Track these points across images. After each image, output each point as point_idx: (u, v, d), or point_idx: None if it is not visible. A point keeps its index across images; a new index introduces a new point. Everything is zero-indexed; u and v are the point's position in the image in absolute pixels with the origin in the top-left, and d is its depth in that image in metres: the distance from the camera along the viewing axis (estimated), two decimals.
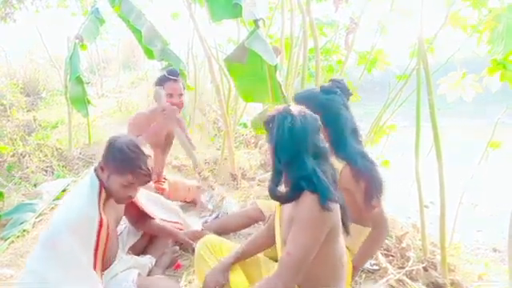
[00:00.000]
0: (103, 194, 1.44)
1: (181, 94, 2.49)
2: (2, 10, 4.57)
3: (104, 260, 1.43)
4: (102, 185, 1.44)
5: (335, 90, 1.61)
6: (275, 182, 1.26)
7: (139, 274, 1.57)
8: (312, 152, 1.20)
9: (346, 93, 1.65)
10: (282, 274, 1.14)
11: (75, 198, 1.45)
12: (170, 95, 2.44)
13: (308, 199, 1.14)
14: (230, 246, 1.58)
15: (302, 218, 1.14)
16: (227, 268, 1.42)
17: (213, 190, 2.41)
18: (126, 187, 1.45)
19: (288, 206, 1.26)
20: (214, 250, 1.54)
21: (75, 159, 4.11)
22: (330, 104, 1.55)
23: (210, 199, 2.44)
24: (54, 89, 7.22)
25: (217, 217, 2.36)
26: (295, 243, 1.13)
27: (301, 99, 1.61)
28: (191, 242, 1.86)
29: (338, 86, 1.63)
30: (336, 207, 1.18)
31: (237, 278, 1.41)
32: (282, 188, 1.28)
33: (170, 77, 2.46)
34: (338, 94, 1.60)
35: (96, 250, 1.35)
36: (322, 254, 1.16)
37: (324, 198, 1.13)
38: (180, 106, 2.47)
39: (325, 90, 1.61)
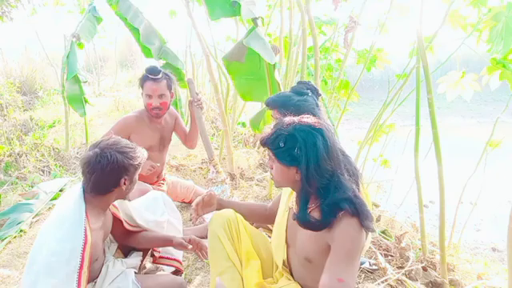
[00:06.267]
0: (90, 215, 1.39)
1: (162, 95, 2.26)
2: None
3: (90, 274, 1.38)
4: (87, 206, 1.40)
5: (306, 91, 1.62)
6: (305, 208, 1.15)
7: (136, 273, 1.56)
8: (343, 167, 1.13)
9: (316, 93, 1.66)
10: None
11: (60, 217, 1.40)
12: (149, 96, 2.25)
13: (349, 224, 1.06)
14: (251, 229, 1.49)
15: (347, 243, 1.06)
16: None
17: (226, 184, 2.39)
18: None
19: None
20: (232, 233, 1.42)
21: (72, 159, 4.08)
22: (303, 105, 1.56)
23: (221, 193, 2.42)
24: (51, 88, 7.19)
25: None
26: (347, 270, 1.04)
27: (274, 103, 1.62)
28: (188, 246, 1.65)
29: (308, 87, 1.65)
30: None
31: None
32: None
33: (149, 75, 2.24)
34: (309, 94, 1.61)
35: (80, 269, 1.29)
36: None
37: (365, 220, 1.06)
38: (162, 107, 2.29)
39: (297, 92, 1.62)
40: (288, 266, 1.38)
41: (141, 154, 1.48)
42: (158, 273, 1.82)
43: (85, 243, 1.31)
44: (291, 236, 1.32)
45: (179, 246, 1.59)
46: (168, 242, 1.64)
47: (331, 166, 1.10)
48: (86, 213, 1.37)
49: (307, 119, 1.16)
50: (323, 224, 1.10)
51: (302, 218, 1.14)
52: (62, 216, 1.39)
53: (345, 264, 1.05)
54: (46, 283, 1.25)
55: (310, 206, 1.16)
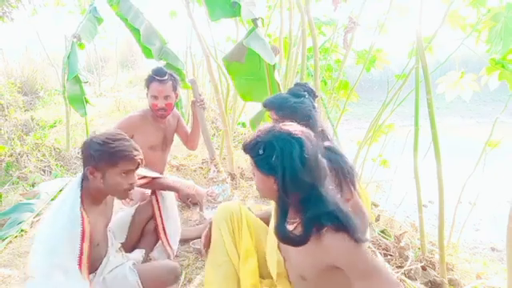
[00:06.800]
0: (86, 201, 1.40)
1: (167, 96, 2.28)
2: (0, 9, 4.54)
3: (91, 261, 1.40)
4: (82, 189, 1.40)
5: (303, 93, 1.64)
6: (284, 221, 1.07)
7: (134, 264, 1.58)
8: (324, 179, 1.07)
9: (313, 95, 1.68)
10: None
11: (60, 202, 1.41)
12: (155, 97, 2.27)
13: (341, 241, 0.99)
14: (255, 223, 1.47)
15: (358, 262, 1.00)
16: None
17: (226, 183, 2.41)
18: (125, 176, 1.41)
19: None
20: (234, 226, 1.42)
21: (73, 159, 4.09)
22: (300, 107, 1.58)
23: (222, 192, 2.44)
24: (52, 88, 7.20)
25: None
26: (378, 279, 1.00)
27: (271, 104, 1.64)
28: (192, 194, 1.90)
29: (305, 89, 1.67)
30: None
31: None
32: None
33: (156, 77, 2.26)
34: (306, 96, 1.63)
35: (81, 247, 1.30)
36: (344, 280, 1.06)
37: (354, 234, 0.99)
38: (166, 108, 2.31)
39: (295, 94, 1.64)
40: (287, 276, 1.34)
41: (123, 149, 1.38)
42: None
43: (83, 226, 1.32)
44: (284, 249, 1.27)
45: (186, 195, 1.88)
46: (175, 189, 1.89)
47: (309, 178, 1.03)
48: (80, 195, 1.38)
49: (288, 126, 1.08)
50: (302, 239, 1.03)
51: (280, 232, 1.07)
52: (61, 200, 1.42)
53: (372, 277, 1.00)
54: (50, 263, 1.26)
55: (294, 220, 1.10)
